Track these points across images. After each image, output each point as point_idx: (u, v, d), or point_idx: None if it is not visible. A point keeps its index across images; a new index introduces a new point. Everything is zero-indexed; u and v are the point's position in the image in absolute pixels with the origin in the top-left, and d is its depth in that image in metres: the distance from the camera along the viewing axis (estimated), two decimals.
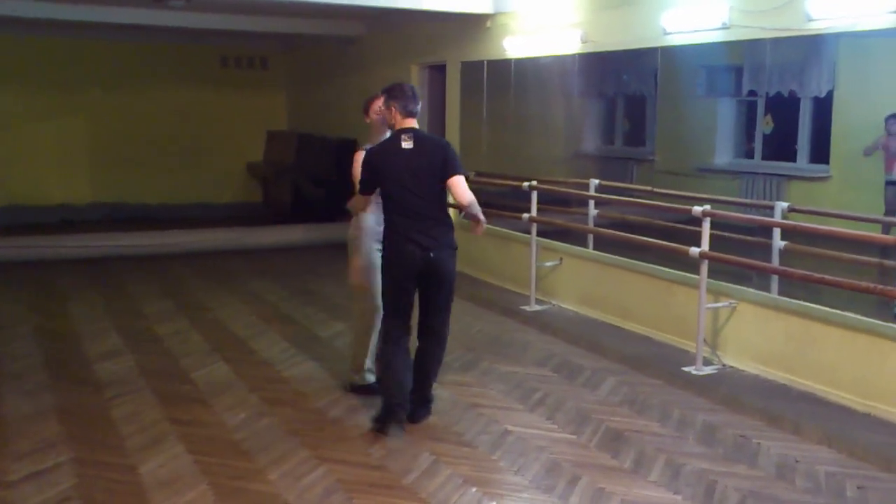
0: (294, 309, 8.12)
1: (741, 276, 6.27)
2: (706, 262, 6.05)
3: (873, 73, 6.26)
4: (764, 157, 7.49)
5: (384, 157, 4.97)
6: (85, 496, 4.15)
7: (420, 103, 5.09)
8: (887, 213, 6.07)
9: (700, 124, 8.12)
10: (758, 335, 6.05)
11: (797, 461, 4.61)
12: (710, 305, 6.21)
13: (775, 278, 6.01)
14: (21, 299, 8.46)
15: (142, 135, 14.30)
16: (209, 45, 14.39)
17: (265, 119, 15.15)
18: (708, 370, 6.08)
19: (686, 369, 6.10)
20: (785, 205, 6.15)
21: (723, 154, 7.91)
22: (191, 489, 4.22)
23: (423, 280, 5.00)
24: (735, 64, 7.44)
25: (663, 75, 7.55)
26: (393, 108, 4.99)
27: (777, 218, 6.08)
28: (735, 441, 4.90)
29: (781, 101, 7.11)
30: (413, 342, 5.18)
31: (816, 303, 5.67)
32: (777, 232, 6.02)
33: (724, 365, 6.18)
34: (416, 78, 10.72)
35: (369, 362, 5.58)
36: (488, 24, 9.34)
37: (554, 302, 8.10)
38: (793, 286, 5.90)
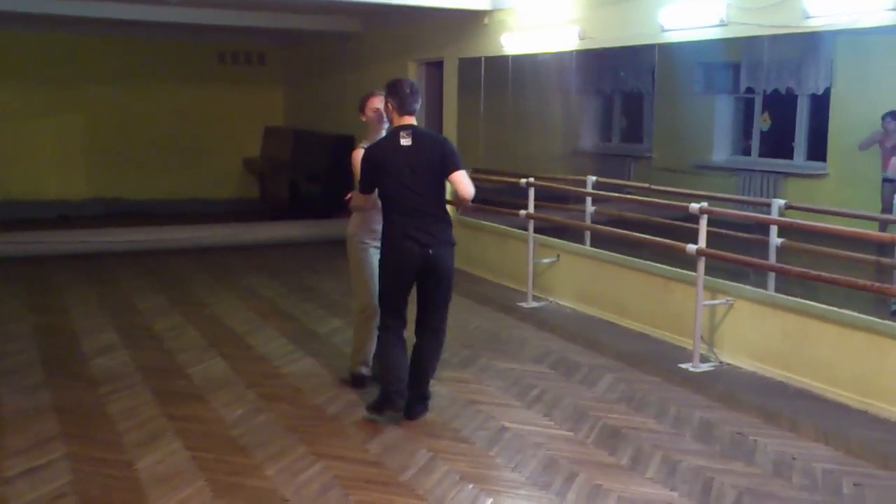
0: (291, 305, 8.11)
1: (738, 273, 6.28)
2: (703, 259, 6.05)
3: (871, 70, 6.26)
4: (761, 155, 7.49)
5: (383, 155, 4.97)
6: (81, 492, 4.14)
7: (420, 100, 5.08)
8: (884, 210, 6.07)
9: (697, 121, 8.11)
10: (755, 332, 6.05)
11: (794, 458, 4.62)
12: (707, 302, 6.21)
13: (772, 275, 6.01)
14: (17, 295, 8.45)
15: (139, 131, 14.29)
16: (207, 41, 14.36)
17: (262, 115, 15.14)
18: (705, 367, 6.09)
19: (683, 366, 6.11)
20: (782, 202, 6.16)
21: (720, 151, 7.91)
22: (188, 485, 4.22)
23: (421, 277, 5.02)
24: (732, 61, 7.44)
25: (661, 72, 7.55)
26: (390, 105, 5.02)
27: (774, 215, 6.09)
28: (732, 438, 4.90)
29: (779, 99, 7.11)
30: (410, 339, 5.18)
31: (813, 300, 5.68)
32: (774, 229, 6.02)
33: (721, 362, 6.19)
34: (413, 74, 10.72)
35: (368, 358, 5.63)
36: (486, 20, 9.33)
37: (551, 299, 8.10)
38: (790, 283, 5.91)
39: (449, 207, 5.25)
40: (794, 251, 6.01)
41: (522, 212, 7.97)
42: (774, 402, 5.41)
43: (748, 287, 6.16)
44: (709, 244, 6.03)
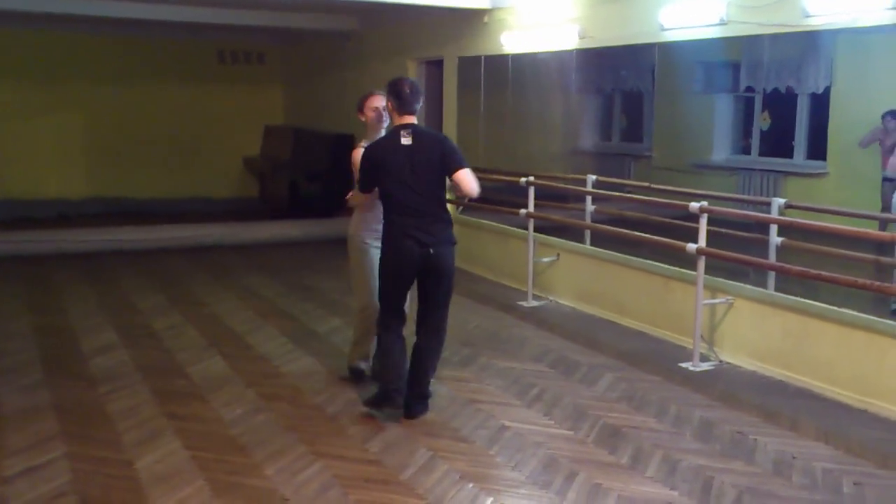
0: (291, 304, 8.11)
1: (738, 272, 6.28)
2: (703, 258, 6.05)
3: (871, 69, 6.26)
4: (761, 154, 7.50)
5: (383, 154, 4.97)
6: (80, 492, 4.14)
7: (421, 100, 5.08)
8: (884, 209, 6.07)
9: (697, 120, 8.12)
10: (755, 331, 6.05)
11: (794, 457, 4.62)
12: (707, 302, 6.21)
13: (772, 274, 6.01)
14: (17, 294, 8.44)
15: (139, 130, 14.28)
16: (206, 39, 14.36)
17: (262, 114, 15.13)
18: (705, 366, 6.09)
19: (683, 365, 6.11)
20: (782, 201, 6.16)
21: (720, 150, 7.92)
22: (187, 484, 4.21)
23: (422, 275, 5.02)
24: (732, 60, 7.44)
25: (661, 71, 7.55)
26: (390, 105, 5.03)
27: (774, 214, 6.09)
28: (732, 437, 4.90)
29: (779, 98, 7.11)
30: (411, 338, 5.18)
31: (813, 299, 5.68)
32: (774, 228, 6.01)
33: (721, 361, 6.19)
34: (413, 73, 10.72)
35: (368, 353, 5.67)
36: (486, 19, 9.33)
37: (551, 298, 8.10)
38: (790, 282, 5.91)
39: (449, 206, 5.25)
40: (794, 250, 6.01)
41: (522, 211, 7.97)
42: (774, 401, 5.40)
43: (748, 286, 6.16)
44: (709, 243, 6.03)
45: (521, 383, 5.82)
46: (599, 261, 7.61)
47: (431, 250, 4.91)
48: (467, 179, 4.94)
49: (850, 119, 6.53)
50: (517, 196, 8.17)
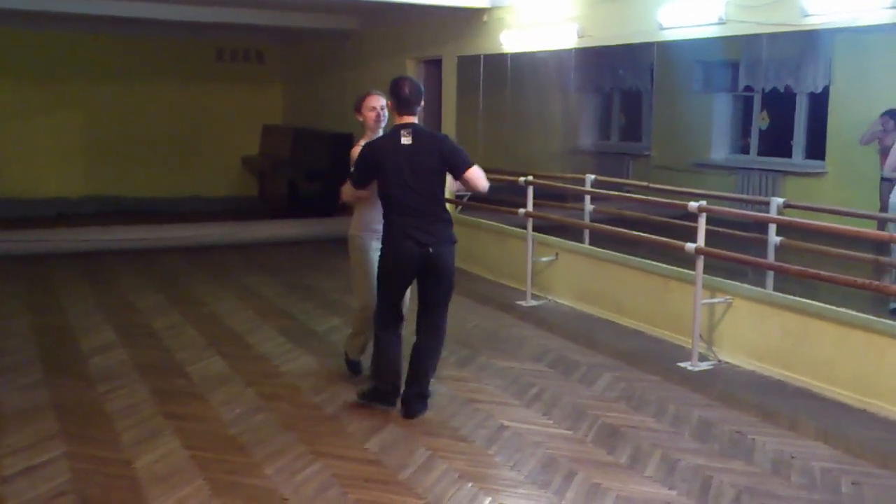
0: (290, 304, 8.11)
1: (737, 271, 6.28)
2: (702, 257, 6.05)
3: (869, 68, 6.27)
4: (760, 153, 7.50)
5: (383, 154, 4.97)
6: (80, 491, 4.14)
7: (422, 100, 5.08)
8: (882, 208, 6.08)
9: (696, 120, 8.12)
10: (753, 331, 6.05)
11: (793, 457, 4.62)
12: (705, 301, 6.21)
13: (771, 274, 6.02)
14: (16, 293, 8.44)
15: (137, 129, 14.26)
16: (205, 38, 14.35)
17: (261, 113, 15.11)
18: (704, 366, 6.09)
19: (682, 365, 6.11)
20: (780, 201, 6.16)
21: (719, 150, 7.92)
22: (187, 484, 4.21)
23: (422, 275, 5.03)
24: (731, 59, 7.45)
25: (659, 70, 7.55)
26: (390, 104, 5.04)
27: (773, 214, 6.09)
28: (731, 437, 4.90)
29: (777, 97, 7.11)
30: (410, 337, 5.18)
31: (812, 299, 5.68)
32: (773, 228, 6.02)
33: (719, 361, 6.19)
34: (412, 72, 10.72)
35: (366, 347, 5.70)
36: (485, 18, 9.33)
37: (550, 297, 8.10)
38: (788, 282, 5.91)
39: (448, 206, 5.26)
40: (793, 250, 6.02)
41: (521, 210, 7.97)
42: (773, 400, 5.41)
43: (747, 286, 6.16)
44: (707, 243, 6.03)
45: (519, 383, 5.82)
46: (598, 260, 7.62)
47: (431, 250, 4.92)
48: (477, 177, 4.98)
49: (848, 118, 6.53)
50: (516, 195, 8.18)
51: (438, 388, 5.57)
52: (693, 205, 6.03)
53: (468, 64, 9.78)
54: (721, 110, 7.93)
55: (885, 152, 6.15)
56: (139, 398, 5.45)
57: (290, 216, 12.51)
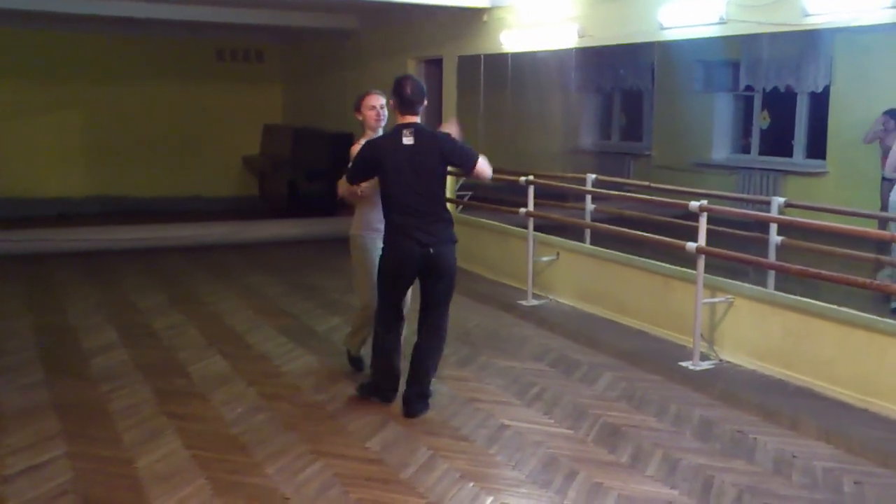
0: (291, 303, 8.11)
1: (738, 271, 6.28)
2: (703, 257, 6.05)
3: (870, 68, 6.27)
4: (760, 153, 7.50)
5: (384, 154, 4.97)
6: (81, 490, 4.14)
7: (424, 99, 5.08)
8: (883, 208, 6.08)
9: (697, 119, 8.12)
10: (755, 330, 6.05)
11: (794, 456, 4.62)
12: (706, 301, 6.21)
13: (772, 273, 6.01)
14: (17, 293, 8.44)
15: (138, 128, 14.27)
16: (205, 38, 14.35)
17: (261, 113, 15.12)
18: (705, 365, 6.09)
19: (683, 364, 6.11)
20: (781, 200, 6.16)
21: (719, 149, 7.92)
22: (188, 483, 4.21)
23: (422, 274, 5.03)
24: (732, 59, 7.45)
25: (660, 70, 7.55)
26: (392, 103, 5.04)
27: (774, 213, 6.09)
28: (732, 436, 4.90)
29: (778, 97, 7.12)
30: (412, 337, 5.19)
31: (813, 298, 5.68)
32: (774, 227, 6.02)
33: (721, 360, 6.19)
34: (412, 72, 10.70)
35: (367, 341, 5.71)
36: (485, 18, 9.33)
37: (551, 297, 8.10)
38: (789, 281, 5.91)
39: (449, 206, 5.26)
40: (794, 249, 6.02)
41: (522, 210, 7.97)
42: (774, 400, 5.41)
43: (748, 285, 6.16)
44: (708, 242, 6.03)
45: (521, 382, 5.82)
46: (599, 260, 7.61)
47: (432, 250, 4.93)
48: (484, 168, 5.07)
49: (849, 118, 6.53)
50: (517, 195, 8.18)
51: (439, 388, 5.57)
52: (694, 204, 6.03)
53: (468, 64, 9.77)
54: (722, 110, 7.93)
55: (885, 152, 6.15)
56: (140, 398, 5.45)
57: (291, 216, 12.52)
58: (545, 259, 8.15)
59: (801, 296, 5.75)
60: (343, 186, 5.30)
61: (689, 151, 8.01)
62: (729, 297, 6.22)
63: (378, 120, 5.51)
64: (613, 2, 7.62)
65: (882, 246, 5.83)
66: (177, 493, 4.11)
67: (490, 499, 4.10)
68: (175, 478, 4.28)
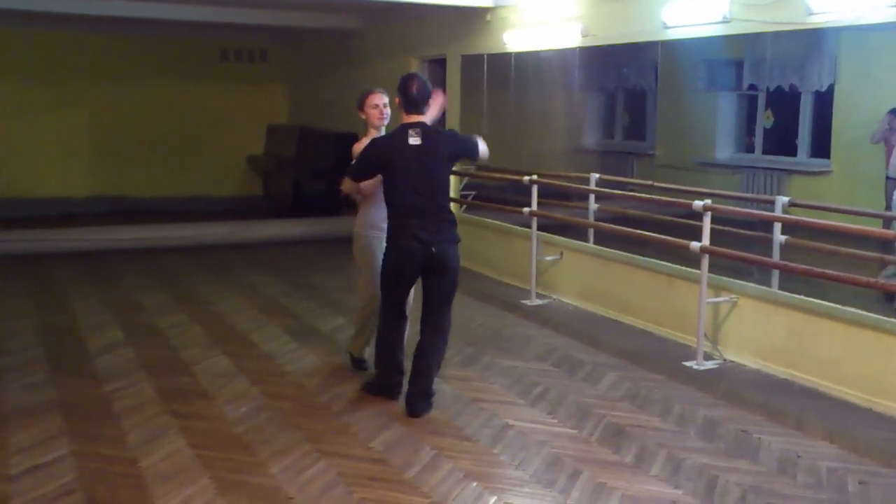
0: (295, 303, 8.11)
1: (742, 270, 6.27)
2: (707, 256, 6.04)
3: (874, 67, 6.26)
4: (764, 152, 7.49)
5: (390, 153, 4.97)
6: (86, 490, 4.14)
7: (429, 98, 5.06)
8: (888, 207, 6.07)
9: (700, 118, 8.12)
10: (759, 330, 6.04)
11: (799, 456, 4.61)
12: (710, 300, 6.21)
13: (776, 273, 6.01)
14: (20, 293, 8.45)
15: (141, 128, 14.27)
16: (208, 38, 14.35)
17: (265, 112, 15.11)
18: (709, 365, 6.08)
19: (687, 364, 6.10)
20: (786, 199, 6.16)
21: (723, 148, 7.91)
22: (192, 482, 4.21)
23: (425, 273, 5.04)
24: (736, 58, 7.44)
25: (664, 69, 7.54)
26: (398, 101, 5.04)
27: (778, 212, 6.09)
28: (736, 436, 4.89)
29: (782, 96, 7.11)
30: (415, 337, 5.19)
31: (818, 298, 5.67)
32: (778, 226, 6.01)
33: (725, 360, 6.18)
34: (415, 71, 10.70)
35: (370, 342, 5.74)
36: (488, 17, 9.32)
37: (555, 296, 8.10)
38: (794, 281, 5.90)
39: (453, 205, 5.27)
40: (798, 248, 6.01)
41: (526, 209, 7.96)
42: (779, 399, 5.40)
43: (752, 285, 6.15)
44: (712, 242, 6.02)
45: (524, 382, 5.81)
46: (603, 259, 7.61)
47: (434, 249, 4.93)
48: (484, 150, 5.20)
49: (854, 117, 6.52)
50: (520, 194, 8.17)
51: (443, 388, 5.57)
52: (698, 204, 6.02)
53: (472, 63, 9.77)
54: (726, 109, 7.93)
55: (890, 151, 6.14)
56: (145, 397, 5.46)
57: (295, 215, 12.51)
58: (549, 258, 8.14)
59: (806, 295, 5.74)
60: (349, 184, 5.31)
61: (693, 151, 8.00)
62: (733, 296, 6.21)
63: (381, 118, 5.52)
64: (617, 1, 7.61)
65: (887, 245, 5.82)
66: (181, 493, 4.10)
67: (494, 498, 4.10)
68: (179, 477, 4.28)
